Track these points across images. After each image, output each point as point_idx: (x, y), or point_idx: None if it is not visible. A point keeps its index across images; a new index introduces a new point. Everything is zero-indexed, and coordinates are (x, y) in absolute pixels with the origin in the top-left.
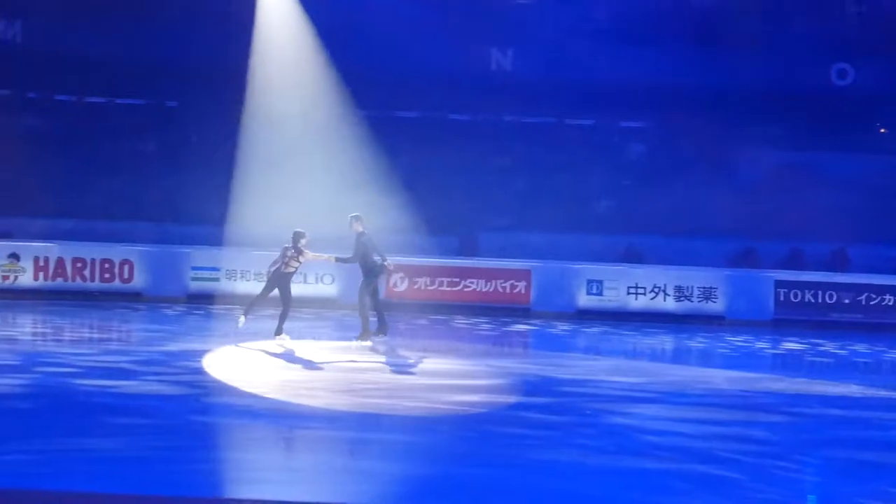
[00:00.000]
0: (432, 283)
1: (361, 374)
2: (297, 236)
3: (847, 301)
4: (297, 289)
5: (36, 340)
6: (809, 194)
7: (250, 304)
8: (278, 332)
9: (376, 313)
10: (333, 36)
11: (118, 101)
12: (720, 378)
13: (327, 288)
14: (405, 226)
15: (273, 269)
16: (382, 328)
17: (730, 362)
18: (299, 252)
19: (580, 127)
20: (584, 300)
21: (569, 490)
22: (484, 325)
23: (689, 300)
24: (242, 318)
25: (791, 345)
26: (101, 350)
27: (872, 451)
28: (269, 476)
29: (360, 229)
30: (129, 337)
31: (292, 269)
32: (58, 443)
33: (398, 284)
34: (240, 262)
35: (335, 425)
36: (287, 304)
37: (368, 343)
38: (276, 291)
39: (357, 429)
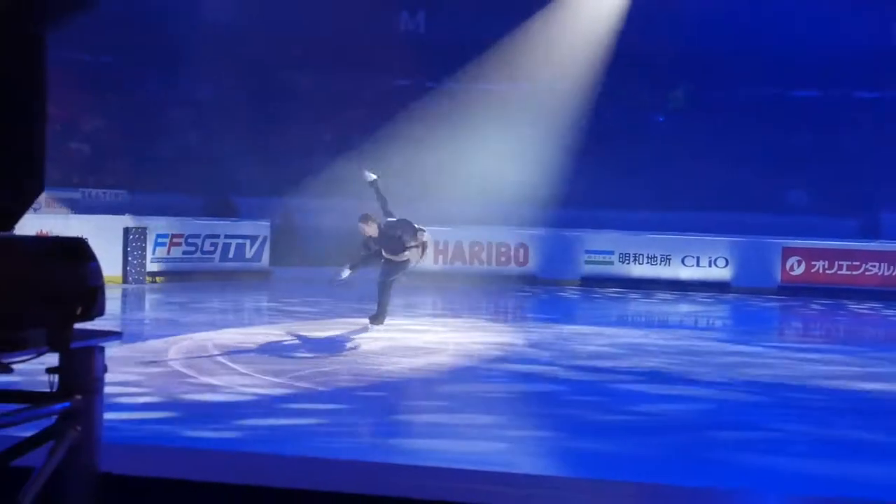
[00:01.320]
0: (830, 266)
1: (750, 359)
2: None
3: None
4: (689, 272)
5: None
6: None
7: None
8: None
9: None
10: (730, 14)
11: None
12: None
13: (721, 272)
14: (804, 207)
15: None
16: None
17: None
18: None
19: None
20: None
21: None
22: (886, 312)
23: None
24: None
25: None
26: (497, 330)
27: None
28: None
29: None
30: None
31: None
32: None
33: (794, 268)
34: (634, 245)
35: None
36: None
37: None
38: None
39: (740, 414)
